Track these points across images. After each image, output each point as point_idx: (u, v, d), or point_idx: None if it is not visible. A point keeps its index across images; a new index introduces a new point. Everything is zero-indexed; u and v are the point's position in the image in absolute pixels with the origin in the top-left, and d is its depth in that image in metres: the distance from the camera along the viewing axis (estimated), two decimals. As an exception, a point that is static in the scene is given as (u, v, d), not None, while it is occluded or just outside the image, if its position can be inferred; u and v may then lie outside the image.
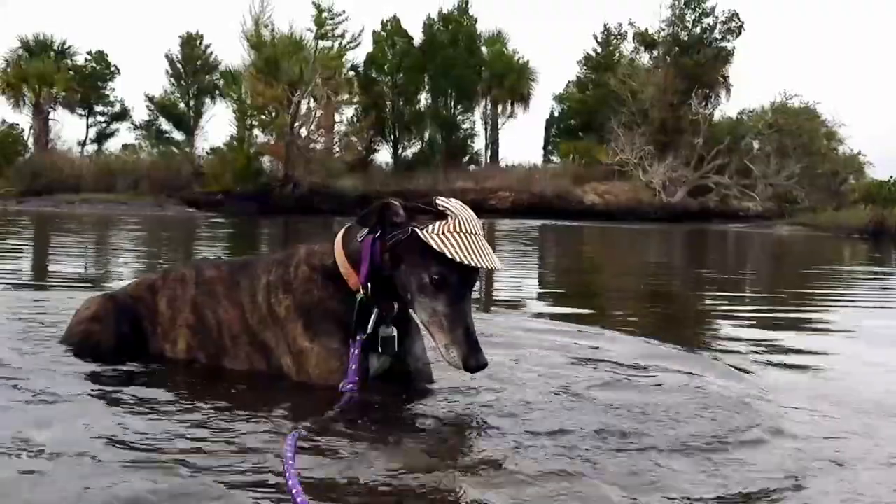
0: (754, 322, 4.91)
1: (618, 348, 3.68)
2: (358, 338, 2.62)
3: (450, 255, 2.40)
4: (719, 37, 50.75)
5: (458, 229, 2.47)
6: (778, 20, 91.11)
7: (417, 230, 2.47)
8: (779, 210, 42.69)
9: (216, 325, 2.98)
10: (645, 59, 53.35)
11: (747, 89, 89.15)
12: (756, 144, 48.63)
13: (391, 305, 2.69)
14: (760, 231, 31.97)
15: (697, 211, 43.48)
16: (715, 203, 45.13)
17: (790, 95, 48.55)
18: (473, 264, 2.42)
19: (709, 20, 50.50)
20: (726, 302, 5.89)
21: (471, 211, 2.58)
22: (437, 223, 2.47)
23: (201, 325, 3.02)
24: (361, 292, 2.62)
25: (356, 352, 2.61)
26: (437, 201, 2.57)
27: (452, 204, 2.56)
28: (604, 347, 3.70)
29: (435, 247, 2.42)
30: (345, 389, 2.53)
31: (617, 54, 56.34)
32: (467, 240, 2.45)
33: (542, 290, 6.53)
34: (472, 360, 2.40)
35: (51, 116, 46.98)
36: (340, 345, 2.67)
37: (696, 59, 49.21)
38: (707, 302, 5.87)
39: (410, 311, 2.63)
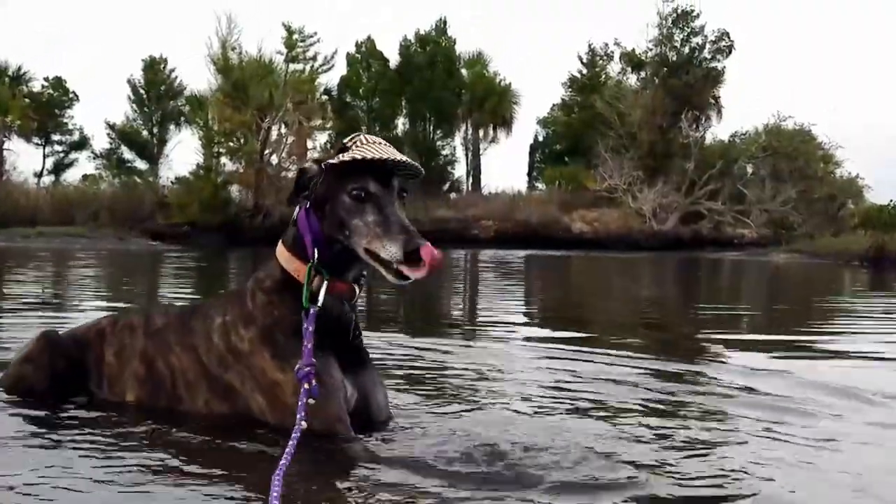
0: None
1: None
2: (311, 310, 2.56)
3: (358, 157, 2.49)
4: (709, 56, 51.40)
5: (365, 142, 2.57)
6: (770, 40, 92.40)
7: (327, 162, 2.57)
8: (774, 237, 43.02)
9: (169, 374, 2.91)
10: (632, 80, 54.01)
11: (739, 111, 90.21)
12: (749, 168, 49.13)
13: (350, 287, 2.66)
14: (756, 259, 32.16)
15: (690, 238, 43.72)
16: (708, 230, 45.41)
17: (784, 117, 49.23)
18: (379, 156, 2.49)
19: (698, 39, 51.17)
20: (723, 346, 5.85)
21: (380, 139, 2.66)
22: (360, 147, 2.56)
23: (151, 376, 2.95)
24: (311, 262, 2.60)
25: (310, 329, 2.53)
26: (344, 140, 2.66)
27: (355, 134, 2.67)
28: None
29: (347, 159, 2.51)
30: (301, 374, 2.46)
31: (603, 75, 56.94)
32: (375, 147, 2.55)
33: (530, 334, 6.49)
34: (411, 243, 2.37)
35: (5, 146, 46.70)
36: (317, 363, 2.55)
37: (686, 79, 49.74)
38: (705, 346, 5.83)
39: (354, 249, 2.53)
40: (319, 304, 2.58)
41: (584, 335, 5.81)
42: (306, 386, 2.44)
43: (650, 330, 6.63)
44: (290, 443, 2.18)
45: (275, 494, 1.89)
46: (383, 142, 2.62)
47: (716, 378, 3.95)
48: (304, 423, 2.33)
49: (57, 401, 2.98)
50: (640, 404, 3.30)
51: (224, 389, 2.78)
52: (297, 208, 2.67)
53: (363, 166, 2.52)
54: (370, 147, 2.56)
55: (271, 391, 2.64)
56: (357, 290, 2.71)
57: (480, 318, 7.22)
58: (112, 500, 2.07)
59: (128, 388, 3.00)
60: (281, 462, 2.06)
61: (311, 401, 2.42)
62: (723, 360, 4.73)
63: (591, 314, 8.53)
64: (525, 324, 7.06)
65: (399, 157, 2.56)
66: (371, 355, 2.89)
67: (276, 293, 2.71)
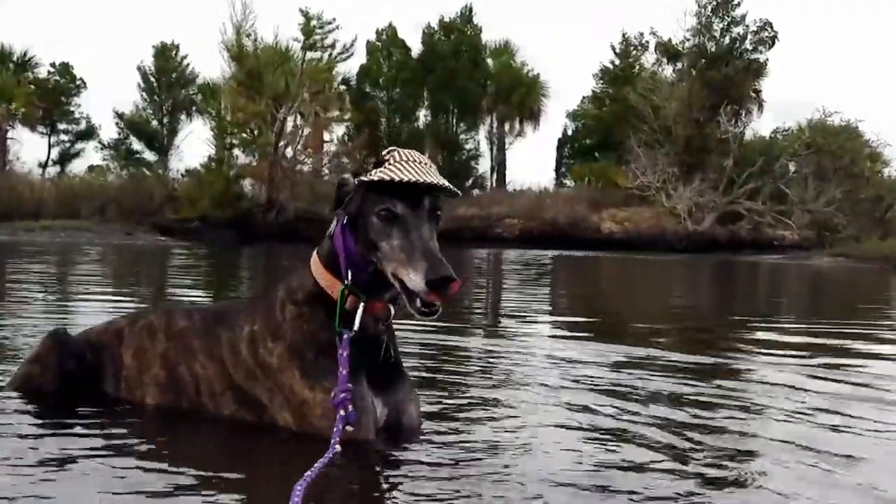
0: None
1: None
2: (345, 336, 2.56)
3: (388, 178, 2.45)
4: (750, 48, 51.06)
5: (398, 159, 2.54)
6: (815, 31, 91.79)
7: (360, 179, 2.55)
8: (817, 239, 42.71)
9: (192, 381, 2.93)
10: (668, 71, 53.77)
11: (782, 106, 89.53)
12: (792, 167, 48.79)
13: (386, 308, 2.67)
14: (798, 263, 31.91)
15: (727, 240, 43.45)
16: (746, 231, 45.12)
17: (829, 113, 48.87)
18: (410, 179, 2.45)
19: (738, 30, 50.85)
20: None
21: (418, 154, 2.62)
22: (395, 164, 2.53)
23: (174, 382, 2.97)
24: (345, 282, 2.60)
25: (345, 353, 2.54)
26: (384, 153, 2.63)
27: (393, 149, 2.63)
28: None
29: (375, 179, 2.48)
30: (337, 401, 2.48)
31: (637, 66, 56.75)
32: (407, 165, 2.51)
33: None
34: (432, 273, 2.33)
35: (9, 135, 47.08)
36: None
37: (725, 71, 49.43)
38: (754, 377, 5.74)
39: (385, 273, 2.51)
40: (356, 328, 2.58)
41: (621, 348, 5.75)
42: (342, 413, 2.46)
43: (693, 346, 6.56)
44: (321, 461, 2.19)
45: (296, 500, 1.91)
46: (419, 158, 2.58)
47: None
48: (338, 447, 2.34)
49: (67, 401, 3.02)
50: (655, 422, 3.25)
51: (252, 403, 2.80)
52: (335, 221, 2.67)
53: (394, 185, 2.49)
54: (402, 165, 2.52)
55: (299, 410, 2.66)
56: (392, 310, 2.70)
57: (509, 326, 7.18)
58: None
59: (148, 392, 3.03)
60: (306, 473, 2.07)
61: (348, 427, 2.45)
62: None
63: (625, 322, 8.46)
64: (558, 336, 7.01)
65: (430, 178, 2.50)
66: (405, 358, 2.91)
67: (308, 306, 2.71)
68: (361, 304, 2.59)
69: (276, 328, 2.74)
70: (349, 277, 2.59)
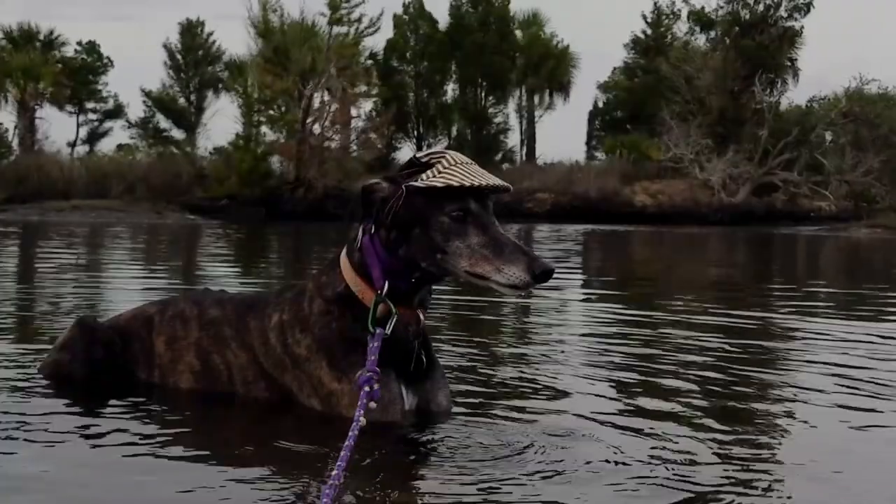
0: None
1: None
2: (378, 331, 2.62)
3: (458, 184, 2.50)
4: (785, 15, 50.25)
5: (452, 163, 2.59)
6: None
7: (412, 185, 2.56)
8: (855, 210, 42.23)
9: (226, 370, 3.03)
10: (701, 40, 52.98)
11: (818, 74, 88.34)
12: (829, 136, 48.15)
13: (415, 315, 2.73)
14: (835, 234, 31.59)
15: (762, 212, 43.08)
16: (782, 203, 44.69)
17: (867, 80, 48.03)
18: (484, 183, 2.54)
19: (773, -4, 50.06)
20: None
21: (461, 155, 2.69)
22: (428, 171, 2.58)
23: (208, 370, 3.06)
24: (378, 293, 2.64)
25: (375, 344, 2.60)
26: (417, 155, 2.68)
27: (434, 150, 2.70)
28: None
29: (440, 185, 2.51)
30: (363, 379, 2.53)
31: (669, 36, 56.18)
32: (465, 168, 2.58)
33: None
34: (537, 266, 2.45)
35: (37, 115, 47.43)
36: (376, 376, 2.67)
37: (760, 40, 48.75)
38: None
39: (448, 270, 2.61)
40: (388, 332, 2.64)
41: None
42: (367, 388, 2.50)
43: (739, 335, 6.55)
44: (348, 441, 2.23)
45: (327, 493, 1.94)
46: (468, 160, 2.64)
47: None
48: (363, 419, 2.38)
49: (98, 387, 3.11)
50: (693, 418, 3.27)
51: (282, 391, 2.90)
52: (360, 233, 2.70)
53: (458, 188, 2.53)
54: (459, 170, 2.57)
55: (328, 400, 2.76)
56: (422, 318, 2.77)
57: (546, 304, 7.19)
58: (158, 494, 2.13)
59: (182, 378, 3.12)
60: (339, 461, 2.11)
61: (372, 404, 2.49)
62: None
63: (666, 296, 8.45)
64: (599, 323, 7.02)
65: (495, 181, 2.60)
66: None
67: (337, 305, 2.77)
68: (394, 315, 2.65)
69: (304, 320, 2.82)
70: (385, 288, 2.64)
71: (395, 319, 2.65)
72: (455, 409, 2.96)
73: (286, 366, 2.85)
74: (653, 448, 2.58)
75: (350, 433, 2.27)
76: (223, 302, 3.15)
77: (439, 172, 2.56)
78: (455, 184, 2.52)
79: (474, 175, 2.56)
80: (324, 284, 2.83)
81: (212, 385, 3.05)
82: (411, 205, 2.57)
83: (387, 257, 2.64)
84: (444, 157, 2.63)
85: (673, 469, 2.38)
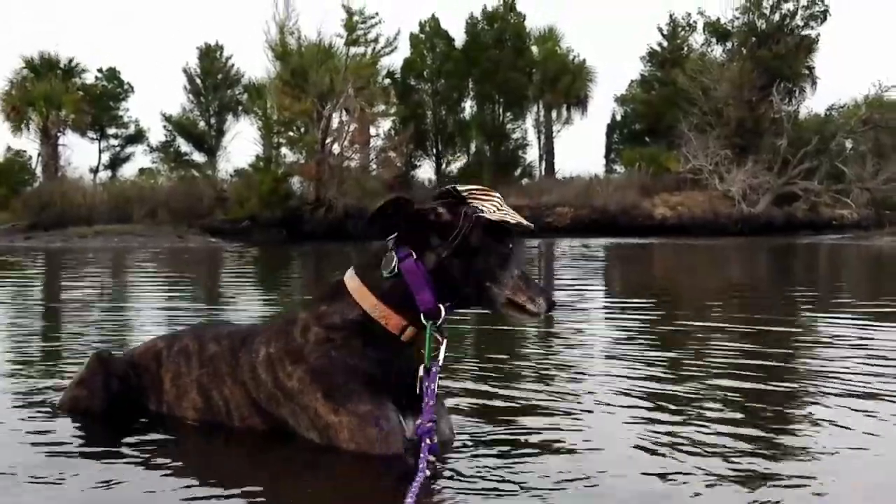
0: None
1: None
2: (433, 369, 2.68)
3: (514, 222, 2.70)
4: (801, 24, 50.18)
5: (501, 205, 2.75)
6: (868, 2, 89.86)
7: (484, 216, 2.69)
8: (877, 218, 41.95)
9: (224, 406, 3.03)
10: (717, 51, 53.05)
11: (836, 82, 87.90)
12: (849, 144, 47.92)
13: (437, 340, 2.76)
14: (857, 243, 31.35)
15: (783, 222, 42.91)
16: (803, 212, 44.47)
17: (886, 87, 47.79)
18: (530, 226, 2.78)
19: (789, 6, 49.95)
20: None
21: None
22: (486, 202, 2.73)
23: (209, 407, 3.07)
24: (428, 323, 2.70)
25: (432, 386, 2.66)
26: (458, 188, 2.75)
27: (473, 186, 2.79)
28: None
29: (510, 220, 2.70)
30: (422, 431, 2.58)
31: (685, 48, 56.17)
32: (502, 206, 2.75)
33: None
34: (551, 298, 2.77)
35: (60, 142, 47.87)
36: (373, 405, 2.67)
37: (776, 49, 48.66)
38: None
39: (489, 297, 2.72)
40: (440, 363, 2.71)
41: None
42: (427, 441, 2.55)
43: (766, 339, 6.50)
44: (412, 491, 2.23)
45: None
46: (496, 193, 2.80)
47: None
48: (427, 471, 2.40)
49: (114, 421, 3.12)
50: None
51: (277, 424, 2.88)
52: (396, 258, 2.71)
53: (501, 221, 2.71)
54: (495, 202, 2.74)
55: (325, 433, 2.73)
56: (442, 339, 2.77)
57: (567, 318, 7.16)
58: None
59: (187, 415, 3.12)
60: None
61: (431, 457, 2.52)
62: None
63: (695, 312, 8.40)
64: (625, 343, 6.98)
65: (528, 224, 2.79)
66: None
67: (342, 332, 2.75)
68: (444, 341, 2.73)
69: (295, 351, 2.78)
70: (443, 315, 2.70)
71: (445, 344, 2.72)
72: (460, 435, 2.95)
73: (279, 400, 2.82)
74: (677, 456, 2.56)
75: (413, 484, 2.26)
76: (220, 337, 3.13)
77: (498, 209, 2.71)
78: (512, 221, 2.69)
79: (517, 217, 2.73)
80: (325, 313, 2.79)
81: (214, 419, 3.05)
82: (479, 233, 2.68)
83: (432, 283, 2.68)
84: (490, 194, 2.76)
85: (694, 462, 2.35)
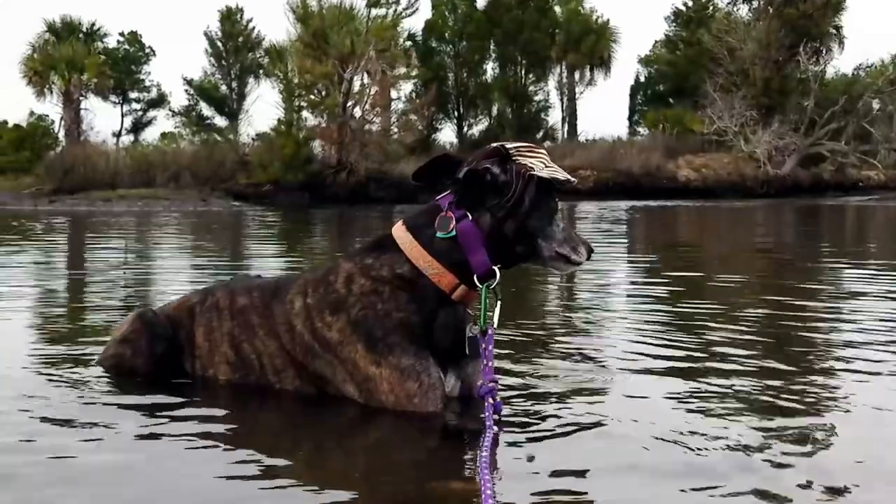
0: None
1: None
2: (489, 331, 2.71)
3: (563, 178, 2.75)
4: (829, -19, 49.37)
5: (548, 161, 2.77)
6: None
7: (535, 173, 2.70)
8: (904, 178, 41.62)
9: (256, 359, 3.00)
10: (743, 11, 52.35)
11: (863, 42, 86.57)
12: (876, 104, 47.31)
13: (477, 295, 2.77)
14: (884, 205, 31.03)
15: (809, 183, 42.56)
16: (829, 173, 44.06)
17: (915, 46, 47.09)
18: (574, 181, 2.85)
19: (816, -37, 49.13)
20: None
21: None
22: (534, 159, 2.73)
23: (241, 361, 3.04)
24: (482, 286, 2.70)
25: (490, 347, 2.69)
26: (506, 145, 2.75)
27: (521, 143, 2.80)
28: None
29: (560, 176, 2.74)
30: (484, 391, 2.59)
31: (711, 7, 55.54)
32: (555, 166, 2.79)
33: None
34: (590, 246, 2.83)
35: (82, 106, 47.96)
36: (415, 360, 2.65)
37: (803, 8, 47.92)
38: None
39: (536, 252, 2.75)
40: (495, 325, 2.73)
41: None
42: (490, 401, 2.56)
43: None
44: (483, 455, 2.19)
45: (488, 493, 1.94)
46: (542, 150, 2.83)
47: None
48: (495, 427, 2.42)
49: (157, 381, 3.10)
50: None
51: (314, 377, 2.85)
52: (453, 219, 2.69)
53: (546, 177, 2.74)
54: (543, 159, 2.77)
55: (364, 385, 2.70)
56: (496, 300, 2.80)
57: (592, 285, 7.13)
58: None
59: (220, 370, 3.10)
60: (482, 470, 2.09)
61: (494, 416, 2.52)
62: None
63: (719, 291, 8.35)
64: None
65: (573, 179, 2.87)
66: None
67: (390, 285, 2.72)
68: (499, 302, 2.74)
69: (336, 302, 2.76)
70: (497, 277, 2.71)
71: (499, 305, 2.73)
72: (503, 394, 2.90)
73: (316, 352, 2.79)
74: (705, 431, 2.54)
75: (484, 441, 2.26)
76: (251, 289, 3.10)
77: (546, 165, 2.73)
78: (562, 178, 2.74)
79: (566, 172, 2.79)
80: (375, 265, 2.75)
81: (246, 375, 3.02)
82: (532, 190, 2.69)
83: (491, 242, 2.69)
84: (536, 151, 2.78)
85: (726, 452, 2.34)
